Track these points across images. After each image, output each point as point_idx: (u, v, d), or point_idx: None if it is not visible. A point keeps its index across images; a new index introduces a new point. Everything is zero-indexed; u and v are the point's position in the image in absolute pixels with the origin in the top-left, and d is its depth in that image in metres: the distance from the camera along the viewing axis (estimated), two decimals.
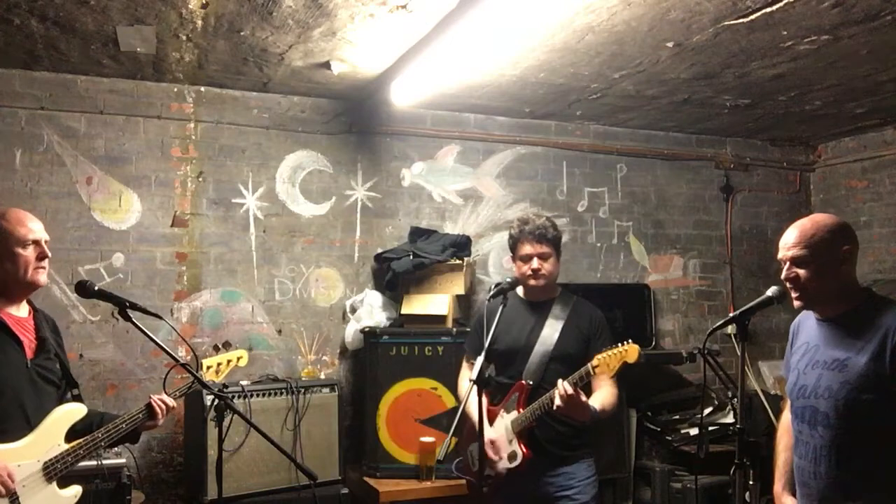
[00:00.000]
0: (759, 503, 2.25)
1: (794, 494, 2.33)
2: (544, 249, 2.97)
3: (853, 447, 2.12)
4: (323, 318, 4.23)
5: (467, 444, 3.05)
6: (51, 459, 2.30)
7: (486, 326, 2.77)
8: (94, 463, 3.05)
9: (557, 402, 2.69)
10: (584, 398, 2.71)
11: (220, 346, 2.96)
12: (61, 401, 2.44)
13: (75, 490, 2.39)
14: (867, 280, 4.68)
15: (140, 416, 2.47)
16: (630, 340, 2.69)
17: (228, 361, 2.88)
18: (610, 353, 2.69)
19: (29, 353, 2.36)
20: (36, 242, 2.37)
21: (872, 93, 4.12)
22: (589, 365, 2.72)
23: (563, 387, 2.68)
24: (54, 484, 2.31)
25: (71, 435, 2.37)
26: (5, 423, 2.25)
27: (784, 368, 2.47)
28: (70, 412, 2.40)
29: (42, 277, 2.40)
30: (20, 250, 2.32)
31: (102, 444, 2.39)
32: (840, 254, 2.20)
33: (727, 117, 4.69)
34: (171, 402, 2.53)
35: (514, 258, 3.07)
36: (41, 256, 2.38)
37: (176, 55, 3.54)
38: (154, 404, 2.48)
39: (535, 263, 2.96)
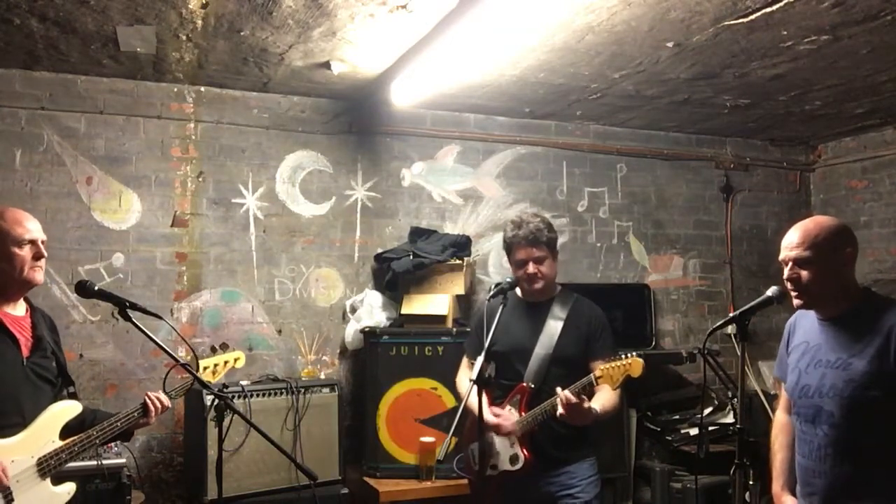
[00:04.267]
0: (759, 503, 2.25)
1: (793, 493, 2.33)
2: (539, 253, 2.91)
3: (858, 445, 2.13)
4: (323, 318, 4.23)
5: (468, 442, 3.04)
6: (45, 456, 2.31)
7: (486, 326, 2.76)
8: (94, 463, 3.06)
9: (560, 410, 2.67)
10: (586, 404, 2.68)
11: (217, 348, 2.99)
12: (57, 398, 2.45)
13: (69, 487, 2.40)
14: (867, 280, 4.68)
15: (135, 414, 2.49)
16: (633, 353, 2.65)
17: (225, 362, 2.91)
18: (613, 364, 2.66)
19: (25, 352, 2.37)
20: (32, 242, 2.38)
21: (872, 93, 4.12)
22: (592, 375, 2.69)
23: (566, 395, 2.65)
24: (48, 480, 2.32)
25: (65, 432, 2.38)
26: (0, 419, 2.26)
27: (778, 366, 2.47)
28: (65, 410, 2.41)
29: (39, 276, 2.41)
30: (16, 250, 2.34)
31: (97, 441, 2.41)
32: (842, 255, 2.22)
33: (727, 117, 4.68)
34: (166, 401, 2.55)
35: (509, 261, 3.05)
36: (37, 256, 2.39)
37: (176, 55, 3.54)
38: (149, 402, 2.50)
39: (531, 268, 2.91)
